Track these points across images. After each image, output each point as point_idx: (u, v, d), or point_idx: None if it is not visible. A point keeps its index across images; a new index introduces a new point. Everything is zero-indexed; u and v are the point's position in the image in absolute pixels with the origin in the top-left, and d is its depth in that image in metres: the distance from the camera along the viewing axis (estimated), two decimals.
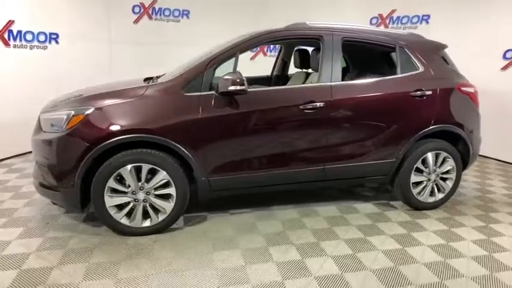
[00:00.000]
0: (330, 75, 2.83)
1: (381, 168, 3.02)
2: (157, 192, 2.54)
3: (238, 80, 2.47)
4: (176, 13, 5.76)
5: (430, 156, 3.05)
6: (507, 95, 4.75)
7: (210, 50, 2.91)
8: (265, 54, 6.22)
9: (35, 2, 4.51)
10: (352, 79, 3.31)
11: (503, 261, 2.43)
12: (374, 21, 5.94)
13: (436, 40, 3.34)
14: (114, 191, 2.46)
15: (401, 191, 3.11)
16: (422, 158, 3.04)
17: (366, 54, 3.56)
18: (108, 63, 5.48)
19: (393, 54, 3.21)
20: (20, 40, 4.38)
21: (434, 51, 3.16)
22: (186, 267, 2.23)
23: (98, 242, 2.49)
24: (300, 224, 2.86)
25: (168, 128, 2.47)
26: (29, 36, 4.45)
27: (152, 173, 2.50)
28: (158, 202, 2.55)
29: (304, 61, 3.44)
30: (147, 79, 3.10)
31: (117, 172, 2.42)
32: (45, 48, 4.65)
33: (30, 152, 4.53)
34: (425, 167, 3.08)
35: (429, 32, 4.82)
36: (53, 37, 4.73)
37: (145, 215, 2.57)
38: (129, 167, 2.43)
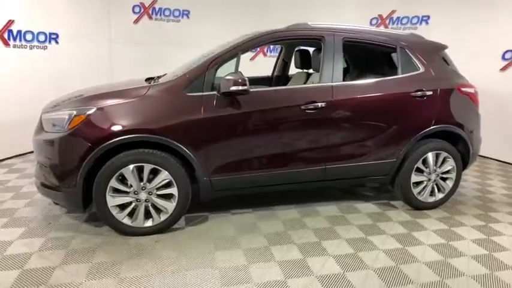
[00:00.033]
0: (331, 75, 2.84)
1: (382, 168, 3.04)
2: (159, 192, 2.54)
3: (240, 80, 2.47)
4: (176, 13, 5.76)
5: (430, 156, 3.06)
6: (506, 95, 4.77)
7: (212, 50, 2.92)
8: (265, 55, 6.23)
9: (34, 2, 4.51)
10: (352, 79, 3.32)
11: (503, 260, 2.45)
12: (374, 21, 5.96)
13: (436, 41, 3.35)
14: (116, 191, 2.46)
15: (402, 191, 3.13)
16: (422, 158, 3.05)
17: (366, 55, 3.57)
18: (108, 63, 5.48)
19: (394, 55, 3.23)
20: (20, 40, 4.38)
21: (434, 52, 3.18)
22: (188, 266, 2.24)
23: (100, 242, 2.49)
24: (301, 224, 2.87)
25: (170, 128, 2.47)
26: (28, 36, 4.45)
27: (154, 173, 2.50)
28: (160, 202, 2.55)
29: (305, 61, 3.45)
30: (148, 79, 3.10)
31: (119, 172, 2.42)
32: (45, 48, 4.64)
33: (30, 152, 4.58)
34: (426, 167, 3.09)
35: (429, 33, 4.82)
36: (53, 37, 4.72)
37: (147, 215, 2.57)
38: (131, 167, 2.43)
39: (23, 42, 4.41)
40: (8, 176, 3.77)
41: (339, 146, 2.87)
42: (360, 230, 2.81)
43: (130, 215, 2.54)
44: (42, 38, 4.59)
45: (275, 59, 4.31)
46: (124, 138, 2.39)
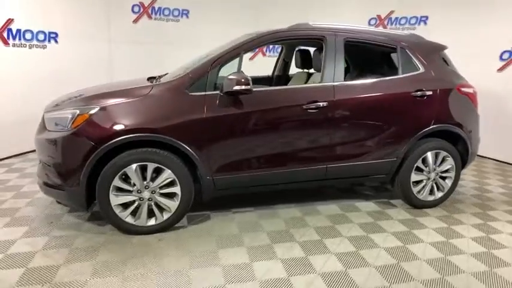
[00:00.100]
0: (332, 75, 2.86)
1: (382, 167, 3.07)
2: (162, 191, 2.55)
3: (243, 80, 2.49)
4: (176, 13, 5.77)
5: (430, 155, 3.10)
6: (504, 95, 4.83)
7: (214, 49, 2.93)
8: (264, 55, 6.25)
9: (34, 1, 4.49)
10: (352, 79, 3.34)
11: (502, 257, 2.49)
12: (372, 22, 6.00)
13: (435, 41, 3.39)
14: (119, 189, 2.47)
15: (402, 190, 3.16)
16: (422, 157, 3.09)
17: (366, 55, 3.60)
18: (108, 63, 5.47)
19: (394, 55, 3.26)
20: (19, 39, 4.36)
21: (434, 52, 3.21)
22: (192, 265, 2.25)
23: (103, 240, 2.50)
24: (302, 222, 2.90)
25: (173, 128, 2.48)
26: (28, 35, 4.43)
27: (157, 171, 2.51)
28: (163, 201, 2.57)
29: (306, 61, 3.47)
30: (150, 78, 3.11)
31: (122, 171, 2.43)
32: (44, 47, 4.63)
33: (29, 151, 4.57)
34: (426, 166, 3.13)
35: (427, 33, 4.86)
36: (52, 36, 4.71)
37: (150, 214, 2.58)
38: (134, 166, 2.44)
39: (23, 41, 4.40)
40: (8, 176, 3.76)
41: (340, 145, 2.89)
42: (361, 228, 2.84)
43: (134, 213, 2.55)
44: (41, 37, 4.58)
45: (274, 59, 4.32)
46: (127, 138, 2.40)
